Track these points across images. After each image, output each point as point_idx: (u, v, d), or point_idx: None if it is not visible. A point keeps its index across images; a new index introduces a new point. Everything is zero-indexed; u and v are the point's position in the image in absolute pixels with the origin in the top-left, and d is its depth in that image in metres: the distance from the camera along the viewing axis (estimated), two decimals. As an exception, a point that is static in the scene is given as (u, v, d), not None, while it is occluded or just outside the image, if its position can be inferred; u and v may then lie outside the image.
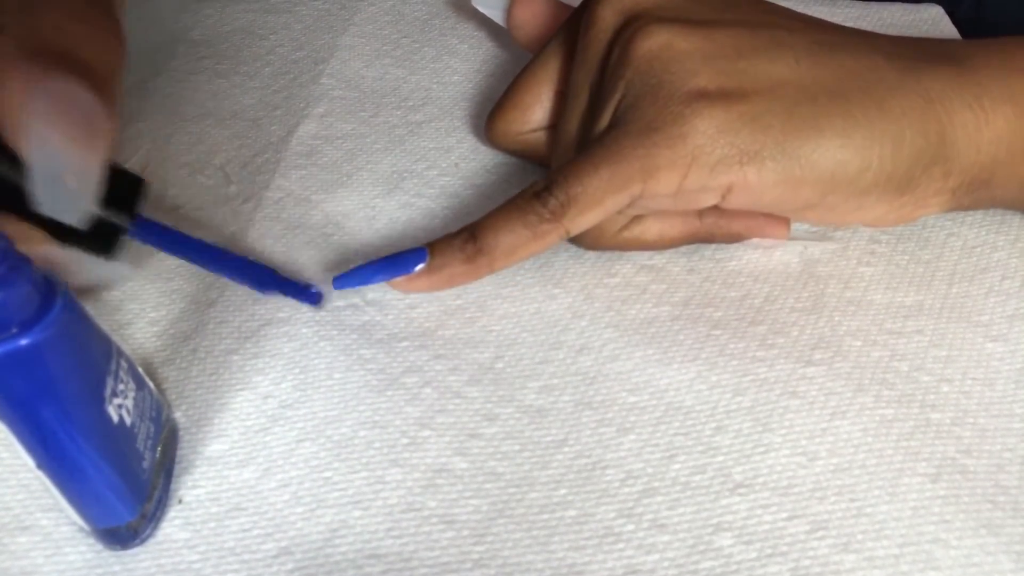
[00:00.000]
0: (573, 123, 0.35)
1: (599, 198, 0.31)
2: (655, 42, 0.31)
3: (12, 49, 0.24)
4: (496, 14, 0.43)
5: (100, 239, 0.26)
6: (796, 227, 0.37)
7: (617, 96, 0.32)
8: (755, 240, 0.36)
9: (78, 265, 0.25)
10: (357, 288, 0.33)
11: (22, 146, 0.24)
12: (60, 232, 0.25)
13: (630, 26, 0.32)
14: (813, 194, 0.32)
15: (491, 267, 0.32)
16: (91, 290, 0.30)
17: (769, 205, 0.33)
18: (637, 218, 0.34)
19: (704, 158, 0.31)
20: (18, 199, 0.25)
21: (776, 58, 0.31)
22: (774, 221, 0.36)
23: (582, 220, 0.32)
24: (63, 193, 0.24)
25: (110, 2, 0.27)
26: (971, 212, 0.37)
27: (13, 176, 0.24)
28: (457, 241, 0.32)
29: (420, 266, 0.32)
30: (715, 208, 0.33)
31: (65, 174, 0.24)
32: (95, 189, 0.25)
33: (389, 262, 0.32)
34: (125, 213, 0.26)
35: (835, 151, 0.31)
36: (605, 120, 0.33)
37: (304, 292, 0.33)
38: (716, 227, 0.35)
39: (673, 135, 0.30)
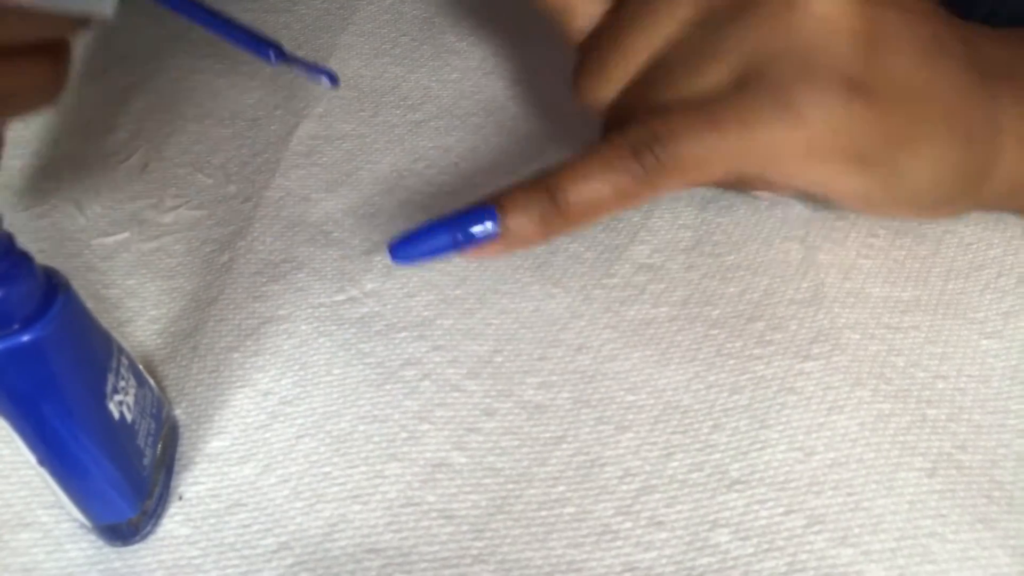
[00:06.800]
0: (656, 38, 0.29)
1: (710, 166, 0.27)
2: (832, 8, 0.27)
3: None
4: None
5: None
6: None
7: (751, 45, 0.27)
8: None
9: None
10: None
11: None
12: None
13: None
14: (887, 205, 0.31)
15: (565, 230, 0.28)
16: (78, 25, 0.27)
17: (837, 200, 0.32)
18: None
19: (831, 156, 0.28)
20: None
21: (928, 64, 0.29)
22: None
23: (675, 186, 0.27)
24: None
25: None
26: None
27: None
28: (533, 203, 0.28)
29: (490, 229, 0.27)
30: None
31: None
32: None
33: (455, 232, 0.27)
34: None
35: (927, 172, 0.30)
36: (724, 67, 0.27)
37: (315, 69, 0.30)
38: None
39: (817, 122, 0.27)
